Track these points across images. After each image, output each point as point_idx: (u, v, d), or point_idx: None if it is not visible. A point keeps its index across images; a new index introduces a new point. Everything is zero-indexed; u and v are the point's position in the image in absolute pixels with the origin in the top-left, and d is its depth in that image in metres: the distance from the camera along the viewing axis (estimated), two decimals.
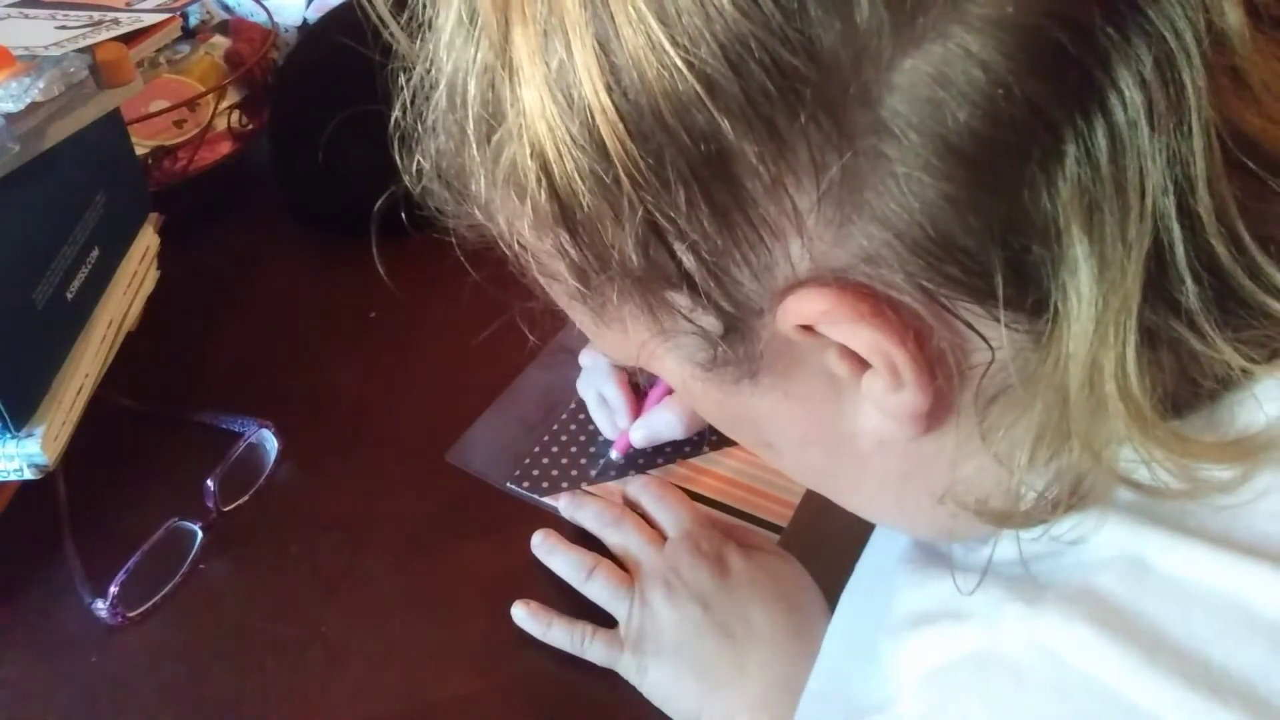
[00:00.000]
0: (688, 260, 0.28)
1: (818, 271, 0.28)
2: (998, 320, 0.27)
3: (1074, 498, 0.30)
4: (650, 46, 0.24)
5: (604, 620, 0.54)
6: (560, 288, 0.33)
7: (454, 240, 0.35)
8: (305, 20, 1.01)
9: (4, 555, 0.59)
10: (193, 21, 0.95)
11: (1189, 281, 0.26)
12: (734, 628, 0.50)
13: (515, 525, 0.59)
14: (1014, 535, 0.33)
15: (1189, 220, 0.25)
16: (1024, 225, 0.26)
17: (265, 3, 0.96)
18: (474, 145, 0.29)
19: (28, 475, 0.56)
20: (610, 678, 0.52)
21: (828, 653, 0.46)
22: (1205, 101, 0.24)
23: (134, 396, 0.68)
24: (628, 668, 0.52)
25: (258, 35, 0.93)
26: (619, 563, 0.56)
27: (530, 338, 0.42)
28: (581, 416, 0.67)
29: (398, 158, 0.33)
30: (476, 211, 0.32)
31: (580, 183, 0.27)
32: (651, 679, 0.51)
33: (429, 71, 0.30)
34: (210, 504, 0.60)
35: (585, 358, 0.67)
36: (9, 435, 0.55)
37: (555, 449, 0.65)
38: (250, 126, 0.88)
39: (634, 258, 0.28)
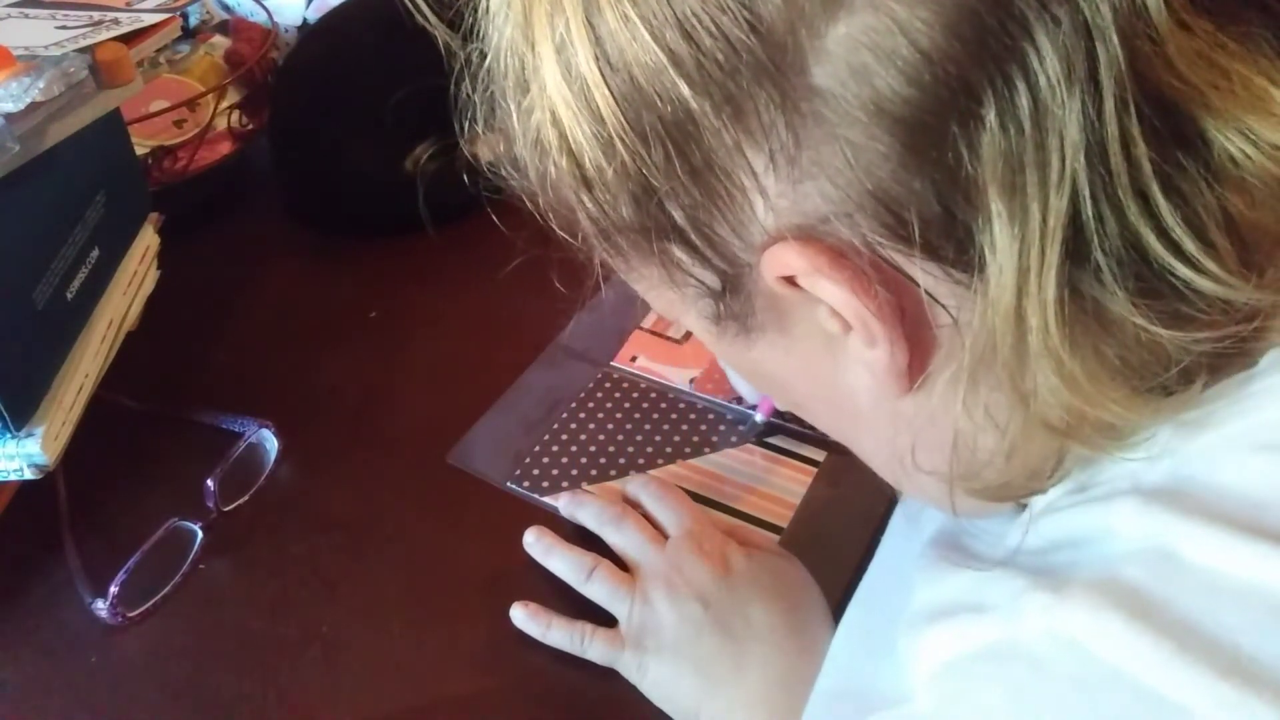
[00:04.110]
0: (676, 215, 0.31)
1: (783, 228, 0.30)
2: (953, 279, 0.29)
3: (1057, 468, 0.32)
4: (624, 21, 0.28)
5: (602, 620, 0.54)
6: (595, 244, 0.35)
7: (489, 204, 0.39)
8: (305, 20, 1.01)
9: (4, 555, 0.59)
10: (193, 21, 0.96)
11: (1098, 238, 0.27)
12: (734, 625, 0.51)
13: (515, 525, 0.59)
14: (1036, 526, 0.34)
15: (1103, 180, 0.26)
16: (955, 183, 0.27)
17: (265, 3, 0.96)
18: (513, 113, 0.33)
19: (28, 475, 0.56)
20: (610, 677, 0.52)
21: (837, 651, 0.47)
22: (1122, 67, 0.25)
23: (134, 396, 0.68)
24: (628, 666, 0.52)
25: (258, 35, 0.93)
26: (617, 561, 0.56)
27: (560, 287, 0.45)
28: (582, 415, 0.67)
29: (456, 124, 0.37)
30: (517, 173, 0.35)
31: (585, 144, 0.30)
32: (652, 677, 0.51)
33: (481, 48, 0.34)
34: (210, 504, 0.60)
35: None
36: (9, 435, 0.55)
37: (555, 448, 0.65)
38: (250, 126, 0.88)
39: (632, 212, 0.31)
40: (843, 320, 0.31)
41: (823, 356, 0.34)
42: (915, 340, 0.31)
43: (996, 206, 0.27)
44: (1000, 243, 0.27)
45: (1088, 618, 0.28)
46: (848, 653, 0.46)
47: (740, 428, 0.66)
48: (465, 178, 0.39)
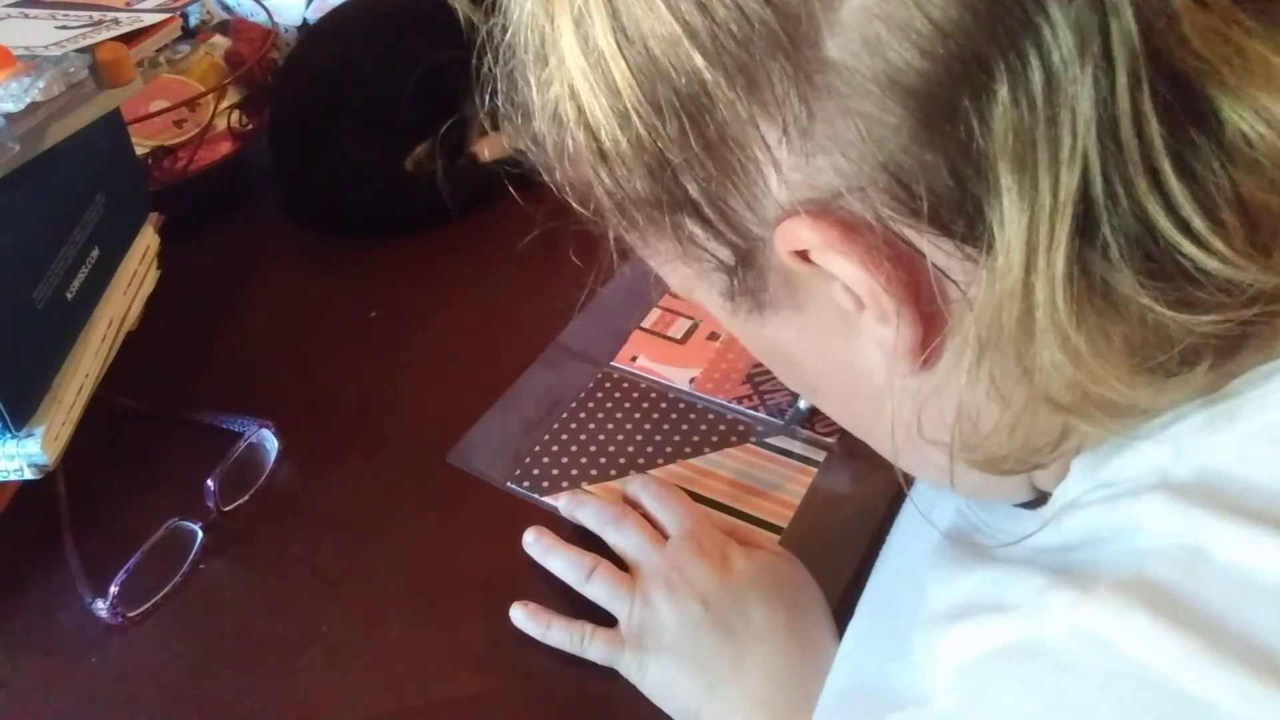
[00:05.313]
0: (690, 188, 0.31)
1: (796, 202, 0.30)
2: (963, 253, 0.29)
3: (1060, 443, 0.32)
4: None
5: (602, 620, 0.54)
6: (612, 219, 0.35)
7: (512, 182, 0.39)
8: (305, 20, 1.01)
9: (4, 555, 0.59)
10: (193, 21, 0.96)
11: (1107, 215, 0.26)
12: (734, 625, 0.50)
13: (516, 525, 0.59)
14: (1059, 523, 0.34)
15: (1114, 157, 0.26)
16: (966, 157, 0.27)
17: (265, 3, 0.96)
18: (532, 87, 0.33)
19: (28, 475, 0.56)
20: (611, 677, 0.52)
21: (849, 651, 0.46)
22: (1136, 43, 0.25)
23: (134, 396, 0.68)
24: (628, 666, 0.52)
25: (258, 35, 0.93)
26: (617, 562, 0.56)
27: (576, 261, 0.44)
28: (582, 415, 0.67)
29: (477, 99, 0.36)
30: (536, 147, 0.35)
31: (601, 117, 0.30)
32: (652, 676, 0.51)
33: (503, 22, 0.34)
34: (210, 504, 0.60)
35: None
36: (9, 435, 0.55)
37: (555, 448, 0.65)
38: (250, 126, 0.88)
39: (647, 185, 0.31)
40: (856, 297, 0.31)
41: (836, 334, 0.34)
42: (926, 315, 0.31)
43: (1007, 181, 0.26)
44: (1010, 218, 0.27)
45: (1114, 615, 0.28)
46: (859, 653, 0.46)
47: (782, 417, 0.66)
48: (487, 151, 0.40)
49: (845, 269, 0.30)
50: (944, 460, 0.35)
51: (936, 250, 0.29)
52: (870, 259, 0.30)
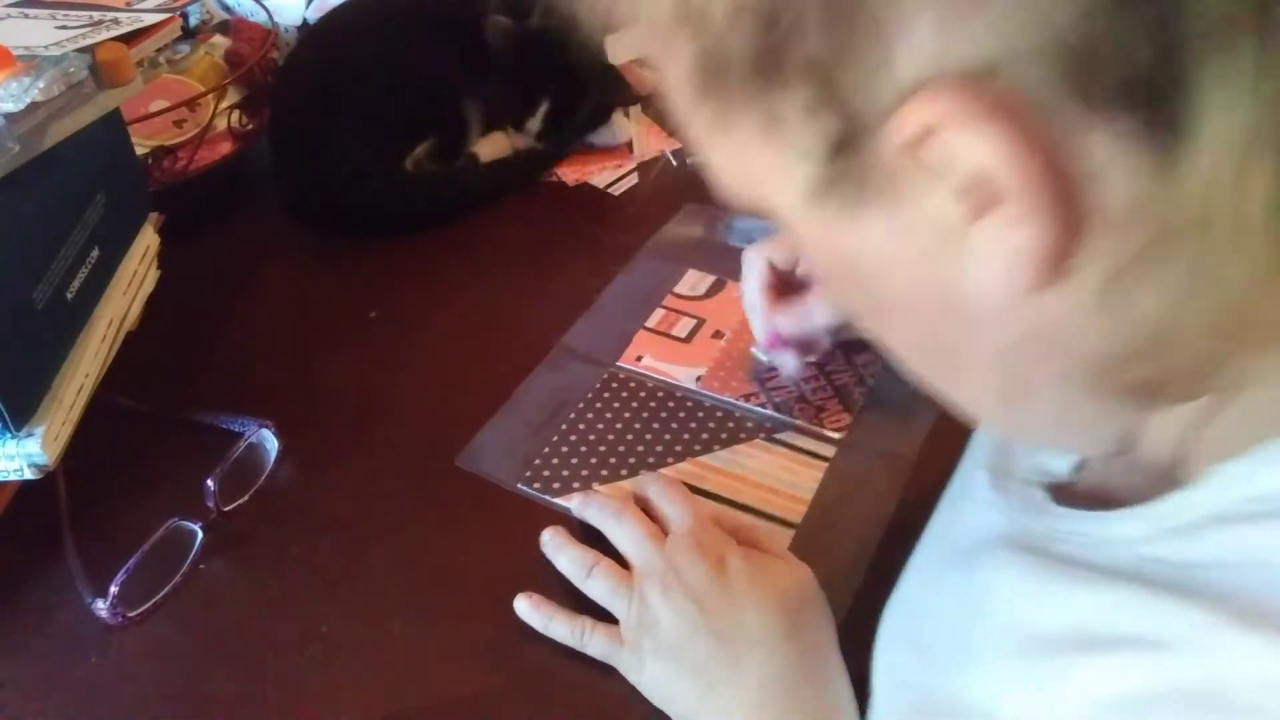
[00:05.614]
0: (803, 51, 0.26)
1: (936, 71, 0.24)
2: (1141, 149, 0.24)
3: (1215, 372, 0.28)
4: None
5: (606, 617, 0.53)
6: (683, 94, 0.30)
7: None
8: (305, 20, 1.01)
9: (4, 555, 0.59)
10: (193, 21, 0.96)
11: None
12: (728, 628, 0.50)
13: (516, 524, 0.59)
14: (1188, 534, 0.30)
15: None
16: (1168, 29, 0.22)
17: (265, 3, 0.96)
18: None
19: (28, 475, 0.56)
20: (611, 678, 0.52)
21: (896, 663, 0.44)
22: None
23: (134, 396, 0.68)
24: (627, 665, 0.51)
25: (258, 35, 0.93)
26: (622, 560, 0.56)
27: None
28: (590, 416, 0.67)
29: None
30: (599, 12, 0.30)
31: None
32: (649, 677, 0.51)
33: None
34: (210, 504, 0.60)
35: (748, 252, 0.68)
36: (9, 435, 0.55)
37: (565, 449, 0.65)
38: (250, 126, 0.88)
39: (746, 48, 0.27)
40: (983, 191, 0.26)
41: (934, 247, 0.28)
42: (1071, 218, 0.25)
43: (1219, 60, 0.22)
44: (1219, 106, 0.22)
45: None
46: (912, 666, 0.44)
47: (785, 413, 0.66)
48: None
49: (984, 153, 0.24)
50: (1056, 394, 0.30)
51: (1106, 142, 0.24)
52: (1023, 144, 0.24)
